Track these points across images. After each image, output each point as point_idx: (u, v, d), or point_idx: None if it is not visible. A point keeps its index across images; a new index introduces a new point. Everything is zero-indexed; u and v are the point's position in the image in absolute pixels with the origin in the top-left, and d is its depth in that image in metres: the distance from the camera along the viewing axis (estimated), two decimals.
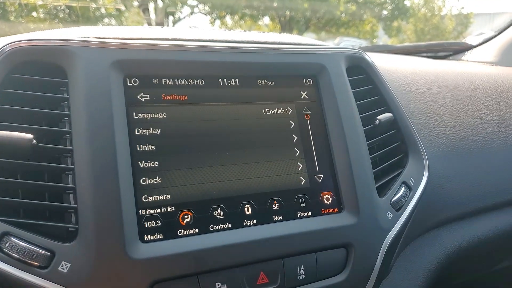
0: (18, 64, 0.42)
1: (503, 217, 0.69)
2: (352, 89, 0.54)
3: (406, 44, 1.38)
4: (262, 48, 0.51)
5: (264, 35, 0.58)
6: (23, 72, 0.42)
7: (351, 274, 0.48)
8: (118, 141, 0.41)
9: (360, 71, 0.58)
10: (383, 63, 0.73)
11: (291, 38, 0.59)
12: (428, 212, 0.61)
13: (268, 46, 0.51)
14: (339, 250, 0.48)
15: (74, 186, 0.40)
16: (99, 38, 0.44)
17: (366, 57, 0.59)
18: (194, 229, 0.43)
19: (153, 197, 0.42)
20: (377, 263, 0.50)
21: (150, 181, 0.43)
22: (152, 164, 0.43)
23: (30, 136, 0.39)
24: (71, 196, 0.40)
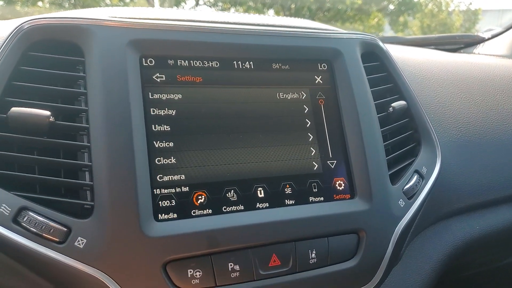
0: (35, 42, 0.42)
1: None
2: (366, 76, 0.54)
3: (416, 36, 1.37)
4: (278, 31, 0.50)
5: (279, 19, 0.58)
6: (41, 50, 0.42)
7: (362, 260, 0.48)
8: (134, 121, 0.41)
9: (374, 58, 0.58)
10: (395, 52, 0.72)
11: (306, 23, 0.58)
12: (439, 201, 0.61)
13: (283, 29, 0.51)
14: (350, 235, 0.48)
15: (90, 163, 0.40)
16: (116, 17, 0.44)
17: (381, 44, 0.59)
18: (207, 210, 0.43)
19: (167, 177, 0.42)
20: (388, 250, 0.50)
21: (165, 161, 0.43)
22: (167, 144, 0.43)
23: (47, 113, 0.39)
24: (87, 173, 0.40)
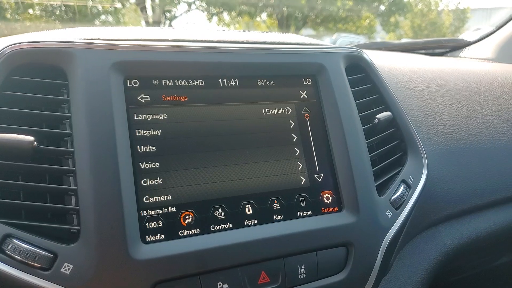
0: (18, 66, 0.42)
1: (502, 213, 0.70)
2: (351, 88, 0.54)
3: (403, 41, 1.39)
4: (262, 49, 0.51)
5: (263, 35, 0.58)
6: (23, 74, 0.42)
7: (352, 273, 0.48)
8: (119, 143, 0.41)
9: (359, 70, 0.58)
10: (381, 61, 0.73)
11: (290, 38, 0.59)
12: (427, 210, 0.61)
13: (267, 47, 0.52)
14: (339, 249, 0.48)
15: (76, 188, 0.40)
16: (99, 39, 0.44)
17: (365, 56, 0.59)
18: (195, 230, 0.43)
19: (154, 198, 0.42)
20: (377, 261, 0.50)
21: (151, 182, 0.43)
22: (153, 165, 0.43)
23: (31, 138, 0.39)
24: (73, 197, 0.40)
